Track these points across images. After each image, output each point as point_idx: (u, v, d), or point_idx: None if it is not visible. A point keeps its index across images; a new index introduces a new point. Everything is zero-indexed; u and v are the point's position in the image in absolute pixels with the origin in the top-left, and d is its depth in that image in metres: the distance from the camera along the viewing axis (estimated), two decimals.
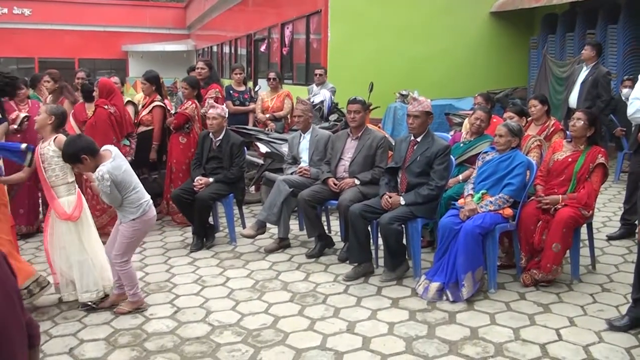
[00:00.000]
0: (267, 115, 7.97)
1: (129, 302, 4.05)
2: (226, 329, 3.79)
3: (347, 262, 4.94)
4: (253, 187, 7.22)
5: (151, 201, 4.07)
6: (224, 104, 6.72)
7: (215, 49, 23.17)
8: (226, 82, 9.63)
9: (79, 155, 3.74)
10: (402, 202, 4.56)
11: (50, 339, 3.67)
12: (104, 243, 4.21)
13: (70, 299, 4.12)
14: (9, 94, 5.20)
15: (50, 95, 6.81)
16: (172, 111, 6.78)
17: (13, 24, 25.16)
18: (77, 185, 4.27)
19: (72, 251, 4.06)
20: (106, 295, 4.16)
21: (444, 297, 4.17)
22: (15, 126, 5.56)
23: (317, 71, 8.94)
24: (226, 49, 21.25)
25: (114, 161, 3.81)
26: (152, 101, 6.59)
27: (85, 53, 25.12)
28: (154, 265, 5.09)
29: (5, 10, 25.55)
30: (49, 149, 4.13)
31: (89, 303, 4.07)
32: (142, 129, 6.51)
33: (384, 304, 4.15)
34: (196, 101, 6.38)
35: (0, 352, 1.44)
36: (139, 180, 4.06)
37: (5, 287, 1.50)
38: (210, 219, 5.85)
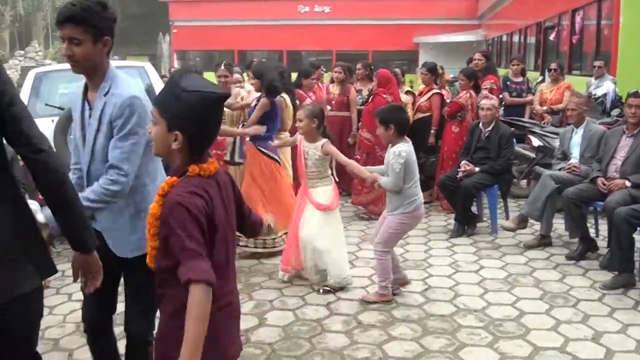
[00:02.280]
0: (545, 108, 7.69)
1: (377, 293, 4.12)
2: (470, 313, 3.92)
3: (608, 269, 4.62)
4: (524, 181, 7.11)
5: (422, 199, 4.13)
6: (501, 95, 6.75)
7: (505, 38, 22.60)
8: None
9: (389, 122, 3.91)
10: None
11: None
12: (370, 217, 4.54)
13: (315, 281, 4.41)
14: None
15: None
16: (448, 100, 7.09)
17: (314, 20, 27.88)
18: (333, 179, 4.50)
19: (321, 238, 4.27)
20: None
21: None
22: None
23: (597, 63, 8.26)
24: (515, 39, 20.60)
25: (410, 147, 3.99)
26: (430, 89, 6.99)
27: (378, 45, 26.61)
28: (414, 245, 5.42)
29: (307, 9, 28.43)
30: (315, 152, 4.33)
31: (330, 289, 4.28)
32: (418, 115, 6.94)
33: (639, 320, 3.82)
34: (472, 91, 6.53)
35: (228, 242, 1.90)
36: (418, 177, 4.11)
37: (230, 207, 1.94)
38: (474, 208, 5.97)
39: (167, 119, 1.79)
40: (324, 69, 8.59)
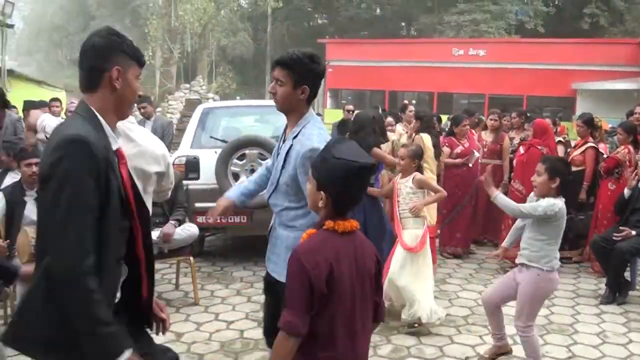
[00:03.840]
0: None
1: None
2: None
3: None
4: None
5: (559, 263, 3.75)
6: None
7: None
8: None
9: (557, 175, 3.59)
10: None
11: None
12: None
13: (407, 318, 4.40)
14: None
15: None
16: (605, 155, 6.67)
17: (468, 63, 27.47)
18: (426, 222, 4.53)
19: (403, 275, 4.38)
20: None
21: None
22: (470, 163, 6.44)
23: None
24: None
25: (564, 205, 3.62)
26: (585, 142, 6.63)
27: (533, 90, 25.66)
28: (560, 307, 5.12)
29: (462, 52, 28.12)
30: (407, 185, 4.46)
31: (415, 325, 4.36)
32: (571, 168, 6.60)
33: None
34: (630, 147, 6.12)
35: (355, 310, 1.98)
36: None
37: (363, 268, 2.01)
38: (627, 274, 5.54)
39: (317, 179, 2.00)
40: (478, 116, 8.48)
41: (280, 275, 2.59)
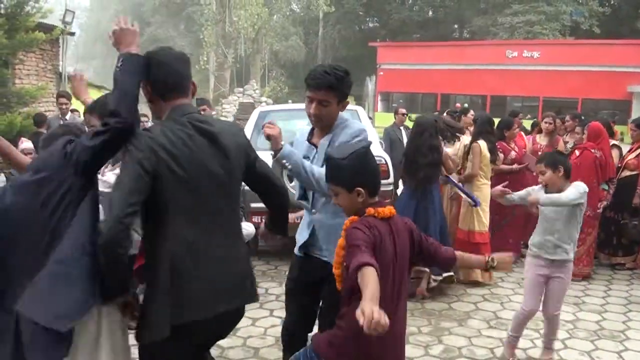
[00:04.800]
0: None
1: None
2: None
3: None
4: None
5: None
6: None
7: None
8: None
9: (557, 165, 3.74)
10: None
11: None
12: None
13: None
14: None
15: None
16: None
17: (522, 65, 26.97)
18: None
19: None
20: None
21: None
22: None
23: None
24: None
25: None
26: None
27: (588, 93, 24.95)
28: (612, 314, 5.07)
29: (515, 54, 27.61)
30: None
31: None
32: (625, 173, 6.48)
33: None
34: None
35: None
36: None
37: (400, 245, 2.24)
38: None
39: (343, 184, 2.22)
40: (522, 117, 8.42)
41: None
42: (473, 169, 5.66)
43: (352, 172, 2.18)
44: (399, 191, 6.12)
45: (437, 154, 5.08)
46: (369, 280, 1.89)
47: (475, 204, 5.27)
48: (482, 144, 5.66)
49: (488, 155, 5.66)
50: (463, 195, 5.45)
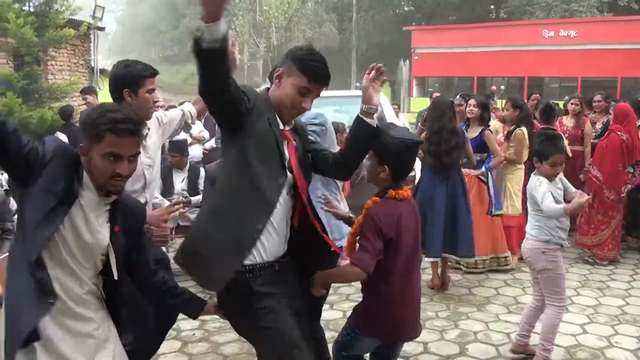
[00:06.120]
0: None
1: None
2: None
3: None
4: None
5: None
6: None
7: None
8: None
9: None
10: None
11: None
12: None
13: None
14: None
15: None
16: None
17: (558, 45, 26.22)
18: None
19: None
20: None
21: None
22: None
23: None
24: None
25: None
26: None
27: (628, 72, 23.96)
28: (635, 298, 4.97)
29: (552, 34, 26.80)
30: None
31: None
32: None
33: None
34: None
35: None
36: None
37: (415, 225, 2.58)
38: None
39: (378, 156, 2.50)
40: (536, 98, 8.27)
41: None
42: (518, 157, 5.64)
43: (391, 151, 2.44)
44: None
45: (459, 137, 5.03)
46: (346, 273, 2.49)
47: (492, 211, 5.30)
48: (525, 130, 5.61)
49: (527, 142, 5.59)
50: (489, 195, 5.38)
